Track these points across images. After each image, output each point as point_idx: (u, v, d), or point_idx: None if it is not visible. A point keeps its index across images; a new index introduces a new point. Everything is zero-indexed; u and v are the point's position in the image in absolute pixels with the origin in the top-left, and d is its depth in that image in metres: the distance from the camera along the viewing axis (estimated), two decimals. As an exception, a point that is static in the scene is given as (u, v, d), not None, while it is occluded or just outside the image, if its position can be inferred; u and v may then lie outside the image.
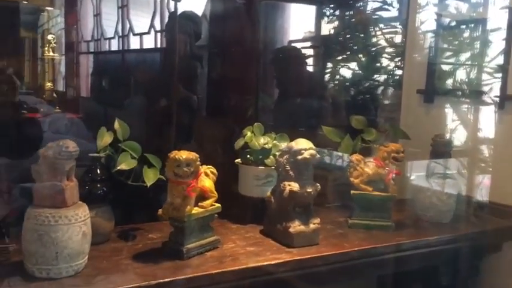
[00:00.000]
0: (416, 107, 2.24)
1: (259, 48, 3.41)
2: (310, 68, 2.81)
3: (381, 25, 2.52)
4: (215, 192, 1.44)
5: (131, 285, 1.19)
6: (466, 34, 2.12)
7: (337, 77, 2.75)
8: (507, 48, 1.91)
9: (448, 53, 2.17)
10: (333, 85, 2.73)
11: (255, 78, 3.36)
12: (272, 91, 3.04)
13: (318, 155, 1.51)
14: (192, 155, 1.34)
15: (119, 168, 1.43)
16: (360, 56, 2.70)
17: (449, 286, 1.84)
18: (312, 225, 1.52)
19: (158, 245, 1.46)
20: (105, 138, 1.43)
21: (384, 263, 1.59)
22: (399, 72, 2.41)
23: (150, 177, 1.45)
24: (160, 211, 1.76)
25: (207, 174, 1.45)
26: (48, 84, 3.29)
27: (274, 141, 1.68)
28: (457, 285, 1.85)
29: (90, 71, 3.91)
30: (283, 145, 1.69)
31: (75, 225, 1.21)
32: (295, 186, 1.49)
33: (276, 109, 2.84)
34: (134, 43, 4.37)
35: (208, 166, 1.47)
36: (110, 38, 4.23)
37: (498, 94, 1.95)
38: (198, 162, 1.36)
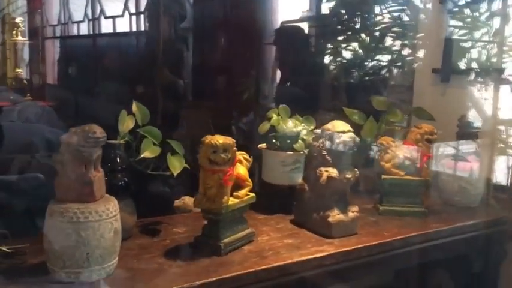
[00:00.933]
0: (431, 86, 2.15)
1: (253, 29, 3.28)
2: (313, 49, 2.69)
3: (390, 2, 2.43)
4: (250, 181, 1.32)
5: (175, 288, 1.05)
6: (484, 9, 2.05)
7: (343, 58, 2.64)
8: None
9: (465, 31, 2.09)
10: (339, 66, 2.62)
11: (250, 61, 3.23)
12: (273, 73, 2.91)
13: (358, 138, 1.39)
14: (230, 140, 1.20)
15: (142, 156, 1.28)
16: (364, 36, 2.60)
17: (482, 272, 1.77)
18: (350, 214, 1.41)
19: (187, 240, 1.33)
20: (126, 123, 1.27)
21: (423, 251, 1.49)
22: (410, 51, 2.33)
23: (176, 165, 1.31)
24: (177, 202, 1.63)
25: (240, 161, 1.32)
26: (18, 71, 3.06)
27: (303, 124, 1.55)
28: (489, 270, 1.78)
29: (57, 56, 3.68)
30: (310, 128, 1.58)
31: (107, 221, 1.06)
32: (333, 172, 1.37)
33: (279, 92, 2.72)
34: (106, 27, 4.14)
35: (241, 152, 1.34)
36: (78, 22, 3.98)
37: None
38: (235, 148, 1.23)
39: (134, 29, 3.86)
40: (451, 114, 1.90)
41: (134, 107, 1.34)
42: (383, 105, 1.80)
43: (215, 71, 3.51)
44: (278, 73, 2.77)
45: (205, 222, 1.28)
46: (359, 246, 1.34)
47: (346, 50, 2.68)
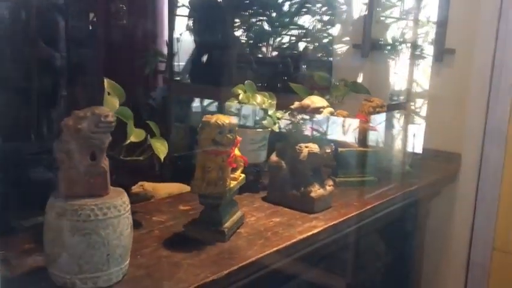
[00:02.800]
0: (352, 62, 2.26)
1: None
2: (228, 24, 2.63)
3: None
4: (243, 161, 1.26)
5: (204, 281, 0.97)
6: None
7: (256, 33, 2.63)
8: (446, 1, 2.02)
9: (386, 7, 2.22)
10: (253, 41, 2.61)
11: (152, 33, 3.04)
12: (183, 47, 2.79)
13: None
14: (234, 119, 1.14)
15: (128, 141, 1.15)
16: (273, 11, 2.62)
17: (412, 229, 1.96)
18: (328, 188, 1.43)
19: (175, 228, 1.23)
20: (113, 103, 1.12)
21: (386, 217, 1.59)
22: (330, 27, 2.40)
23: (162, 149, 1.20)
24: (135, 189, 1.51)
25: (233, 141, 1.25)
26: None
27: (269, 101, 1.53)
28: (417, 227, 1.97)
29: None
30: (274, 103, 1.57)
31: (124, 216, 0.94)
32: (314, 147, 1.38)
33: (193, 66, 2.62)
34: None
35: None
36: None
37: (435, 47, 2.07)
38: (237, 128, 1.16)
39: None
40: (371, 88, 2.02)
41: (107, 85, 1.18)
42: (324, 81, 1.85)
43: (109, 44, 3.25)
44: (192, 47, 2.67)
45: (203, 208, 1.20)
46: (343, 218, 1.38)
47: (255, 25, 2.68)
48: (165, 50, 2.89)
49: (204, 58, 2.58)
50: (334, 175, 1.71)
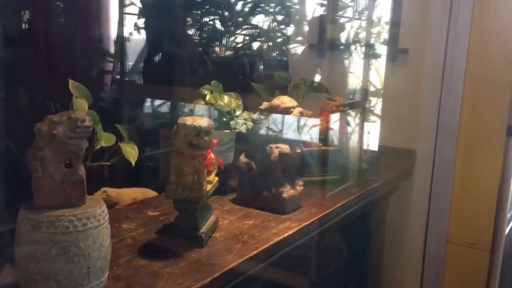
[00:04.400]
0: (308, 61, 2.28)
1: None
2: (181, 23, 2.58)
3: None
4: (221, 163, 1.23)
5: (189, 290, 0.94)
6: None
7: (209, 32, 2.59)
8: (398, 3, 2.07)
9: (341, 7, 2.24)
10: (205, 41, 2.57)
11: (98, 32, 2.92)
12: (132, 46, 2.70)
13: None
14: (211, 121, 1.10)
15: (99, 146, 1.09)
16: (226, 10, 2.60)
17: (372, 224, 2.00)
18: (298, 188, 1.43)
19: (147, 235, 1.19)
20: (82, 106, 1.06)
21: (351, 215, 1.61)
22: (286, 27, 2.41)
23: (132, 153, 1.16)
24: (98, 195, 1.45)
25: (205, 143, 1.21)
26: None
27: (236, 101, 1.50)
28: (377, 222, 2.01)
29: None
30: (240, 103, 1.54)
31: (104, 226, 0.89)
32: (285, 147, 1.37)
33: (142, 66, 2.55)
34: None
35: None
36: None
37: (389, 47, 2.12)
38: (213, 130, 1.13)
39: None
40: (327, 87, 2.04)
41: (72, 87, 1.12)
42: (285, 81, 1.84)
43: (46, 44, 3.09)
44: (142, 46, 2.59)
45: (177, 213, 1.16)
46: (315, 218, 1.37)
47: (208, 24, 2.64)
48: (113, 50, 2.79)
49: (157, 58, 2.51)
50: (300, 175, 1.70)
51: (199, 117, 1.10)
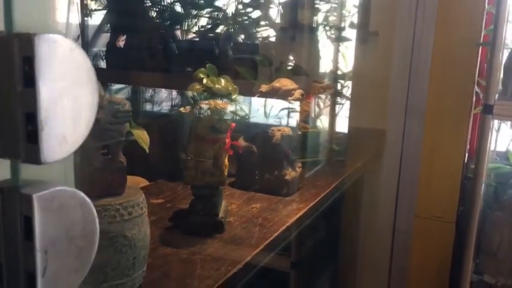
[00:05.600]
0: (279, 45, 2.28)
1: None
2: (138, 4, 2.48)
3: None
4: (240, 146, 1.22)
5: (228, 275, 0.93)
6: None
7: (168, 14, 2.52)
8: (367, -13, 2.12)
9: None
10: (165, 22, 2.50)
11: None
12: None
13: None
14: (226, 104, 1.08)
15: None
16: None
17: (348, 203, 2.06)
18: (298, 170, 1.44)
19: (161, 223, 1.16)
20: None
21: (341, 194, 1.65)
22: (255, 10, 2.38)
23: (144, 139, 1.12)
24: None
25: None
26: None
27: (233, 84, 1.47)
28: (350, 201, 2.08)
29: None
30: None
31: (145, 214, 0.86)
32: (287, 129, 1.37)
33: (109, 51, 2.44)
34: None
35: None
36: None
37: (360, 30, 2.17)
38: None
39: None
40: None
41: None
42: (266, 63, 1.84)
43: None
44: (101, 30, 2.48)
45: (193, 199, 1.14)
46: (318, 199, 1.40)
47: (169, 7, 2.58)
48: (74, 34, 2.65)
49: (118, 41, 2.41)
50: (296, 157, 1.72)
51: (216, 100, 1.07)
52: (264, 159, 1.40)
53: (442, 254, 2.21)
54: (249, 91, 1.75)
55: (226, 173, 1.13)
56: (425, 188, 2.18)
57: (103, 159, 0.81)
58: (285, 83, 1.38)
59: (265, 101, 2.09)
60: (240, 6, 2.45)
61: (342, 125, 2.28)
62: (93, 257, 0.47)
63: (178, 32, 2.53)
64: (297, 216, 1.24)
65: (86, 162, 0.79)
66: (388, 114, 2.19)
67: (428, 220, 2.21)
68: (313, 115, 1.79)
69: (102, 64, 2.45)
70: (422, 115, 2.14)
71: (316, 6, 2.22)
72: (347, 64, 2.24)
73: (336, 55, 2.24)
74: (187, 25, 2.53)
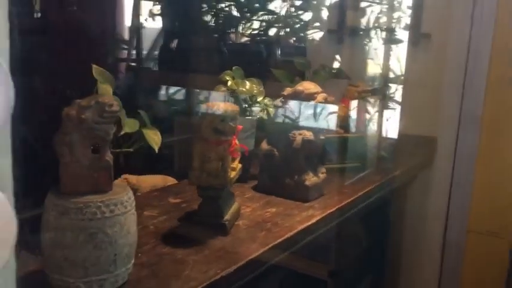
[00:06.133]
0: (326, 47, 2.24)
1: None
2: (193, 8, 2.55)
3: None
4: (246, 149, 1.21)
5: (215, 278, 0.93)
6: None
7: (224, 18, 2.56)
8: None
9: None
10: (219, 26, 2.54)
11: (114, 18, 2.90)
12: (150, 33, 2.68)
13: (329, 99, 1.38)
14: (235, 106, 1.08)
15: (123, 132, 1.07)
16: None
17: (391, 213, 1.98)
18: (321, 175, 1.41)
19: (170, 223, 1.17)
20: (107, 91, 1.04)
21: (373, 203, 1.58)
22: (304, 12, 2.37)
23: (155, 139, 1.13)
24: (119, 181, 1.43)
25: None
26: None
27: (259, 87, 1.48)
28: (396, 211, 1.99)
29: None
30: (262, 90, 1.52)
31: (131, 212, 0.87)
32: (309, 134, 1.34)
33: (157, 53, 2.53)
34: None
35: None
36: None
37: (411, 32, 2.07)
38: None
39: None
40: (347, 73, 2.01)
41: (96, 71, 1.10)
42: (305, 67, 1.81)
43: (60, 33, 3.07)
44: (156, 34, 2.57)
45: (200, 200, 1.14)
46: (339, 205, 1.35)
47: (224, 11, 2.61)
48: (128, 37, 2.77)
49: (172, 44, 2.49)
50: (321, 162, 1.68)
51: (224, 102, 1.07)
52: (285, 163, 1.38)
53: (496, 272, 2.07)
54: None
55: (232, 175, 1.13)
56: (479, 201, 2.04)
57: (90, 157, 0.84)
58: (308, 86, 1.35)
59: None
60: (292, 9, 2.44)
61: (394, 131, 2.21)
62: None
63: (232, 35, 2.57)
64: (309, 222, 1.21)
65: (73, 159, 0.82)
66: (440, 120, 2.08)
67: (481, 235, 2.07)
68: (355, 119, 1.73)
69: (157, 67, 2.54)
70: (478, 122, 2.02)
71: (365, 7, 2.16)
72: (398, 67, 2.15)
73: (386, 58, 2.16)
74: (241, 28, 2.55)
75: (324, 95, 1.35)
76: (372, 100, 2.08)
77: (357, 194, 1.46)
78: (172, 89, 2.74)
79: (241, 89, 1.42)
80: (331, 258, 1.93)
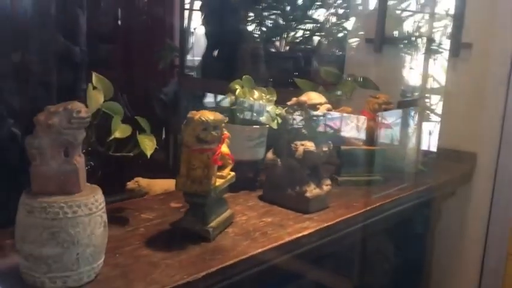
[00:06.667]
0: (364, 56, 2.19)
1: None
2: (240, 18, 2.59)
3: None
4: (231, 158, 1.23)
5: (178, 283, 0.94)
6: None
7: (268, 27, 2.58)
8: (461, -4, 1.93)
9: (396, 1, 2.14)
10: (264, 35, 2.56)
11: (165, 27, 3.03)
12: (196, 42, 2.77)
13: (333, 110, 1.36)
14: (219, 115, 1.10)
15: (113, 137, 1.13)
16: (287, 4, 2.57)
17: (423, 231, 1.89)
18: (325, 188, 1.38)
19: (162, 226, 1.21)
20: (95, 98, 1.10)
21: (391, 218, 1.53)
22: (342, 21, 2.34)
23: (149, 145, 1.18)
24: (131, 184, 1.49)
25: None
26: None
27: (267, 96, 1.48)
28: (428, 228, 1.91)
29: None
30: (273, 99, 1.52)
31: (97, 214, 0.92)
32: (310, 145, 1.33)
33: (205, 61, 2.60)
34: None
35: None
36: None
37: (452, 42, 1.98)
38: (224, 124, 1.13)
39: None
40: (384, 84, 1.95)
41: (94, 79, 1.16)
42: (332, 76, 1.79)
43: (122, 39, 3.25)
44: (203, 41, 2.64)
45: (188, 206, 1.17)
46: (338, 219, 1.33)
47: (269, 19, 2.63)
48: (179, 44, 2.88)
49: (215, 53, 2.54)
50: (338, 174, 1.65)
51: (208, 111, 1.09)
52: (288, 174, 1.37)
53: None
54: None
55: (218, 183, 1.14)
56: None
57: (60, 160, 0.89)
58: (311, 97, 1.34)
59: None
60: (333, 18, 2.41)
61: (433, 144, 2.12)
62: None
63: (275, 43, 2.59)
64: (299, 235, 1.20)
65: (42, 162, 0.88)
66: (481, 135, 1.98)
67: (523, 259, 1.94)
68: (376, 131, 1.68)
69: (198, 74, 2.62)
70: (521, 138, 1.89)
71: (404, 16, 2.10)
72: (436, 78, 2.07)
73: (425, 68, 2.08)
74: (284, 37, 2.57)
75: (327, 105, 1.33)
76: (410, 112, 2.01)
77: (365, 208, 1.42)
78: (219, 97, 2.80)
79: (248, 97, 1.43)
80: (356, 272, 1.89)
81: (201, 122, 1.07)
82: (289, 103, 1.38)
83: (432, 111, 2.14)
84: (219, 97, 2.79)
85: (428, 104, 2.16)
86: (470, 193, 2.02)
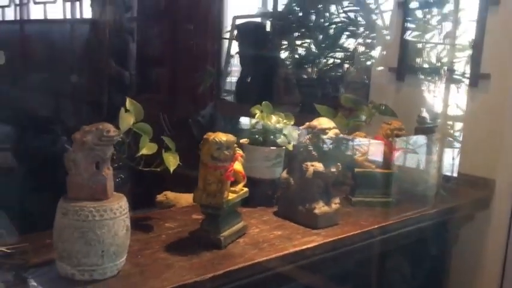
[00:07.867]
0: (387, 85, 2.30)
1: (205, 22, 3.29)
2: (272, 46, 2.76)
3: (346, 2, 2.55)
4: (245, 175, 1.37)
5: (187, 282, 1.09)
6: (436, 13, 2.21)
7: (300, 54, 2.73)
8: (480, 27, 2.01)
9: (421, 31, 2.24)
10: (296, 63, 2.71)
11: (205, 54, 3.24)
12: (231, 68, 2.95)
13: (341, 135, 1.49)
14: (232, 137, 1.25)
15: (140, 153, 1.30)
16: (318, 33, 2.71)
17: (437, 255, 1.95)
18: (333, 206, 1.50)
19: (181, 234, 1.36)
20: (127, 120, 1.28)
21: (394, 238, 1.62)
22: (367, 50, 2.46)
23: (172, 162, 1.34)
24: (160, 197, 1.65)
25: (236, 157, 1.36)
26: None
27: (284, 120, 1.62)
28: (443, 254, 1.96)
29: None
30: (290, 124, 1.66)
31: (120, 218, 1.08)
32: (319, 166, 1.45)
33: (239, 86, 2.77)
34: (36, 12, 3.97)
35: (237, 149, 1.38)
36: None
37: (471, 72, 2.06)
38: (236, 145, 1.27)
39: (68, 16, 3.75)
40: (405, 111, 2.05)
41: (128, 103, 1.34)
42: (350, 102, 1.91)
43: (166, 64, 3.48)
44: (238, 68, 2.82)
45: (204, 216, 1.32)
46: (344, 236, 1.44)
47: (302, 47, 2.78)
48: (216, 69, 3.07)
49: (249, 78, 2.71)
50: (352, 194, 1.76)
51: (222, 133, 1.24)
52: (300, 192, 1.50)
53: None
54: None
55: (231, 198, 1.29)
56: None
57: (91, 172, 1.06)
58: (322, 122, 1.47)
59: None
60: (361, 47, 2.54)
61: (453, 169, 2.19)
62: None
63: (303, 71, 2.73)
64: (303, 247, 1.32)
65: (76, 172, 1.05)
66: (500, 163, 2.03)
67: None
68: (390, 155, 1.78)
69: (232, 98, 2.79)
70: (539, 167, 1.93)
71: (426, 46, 2.20)
72: (456, 107, 2.15)
73: (445, 97, 2.17)
74: (315, 65, 2.71)
75: (335, 130, 1.45)
76: (430, 138, 2.09)
77: (371, 226, 1.52)
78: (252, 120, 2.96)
79: (266, 121, 1.57)
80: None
81: (215, 143, 1.22)
82: (301, 127, 1.51)
83: (453, 137, 2.21)
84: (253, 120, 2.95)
85: (450, 131, 2.23)
86: (489, 218, 2.06)
